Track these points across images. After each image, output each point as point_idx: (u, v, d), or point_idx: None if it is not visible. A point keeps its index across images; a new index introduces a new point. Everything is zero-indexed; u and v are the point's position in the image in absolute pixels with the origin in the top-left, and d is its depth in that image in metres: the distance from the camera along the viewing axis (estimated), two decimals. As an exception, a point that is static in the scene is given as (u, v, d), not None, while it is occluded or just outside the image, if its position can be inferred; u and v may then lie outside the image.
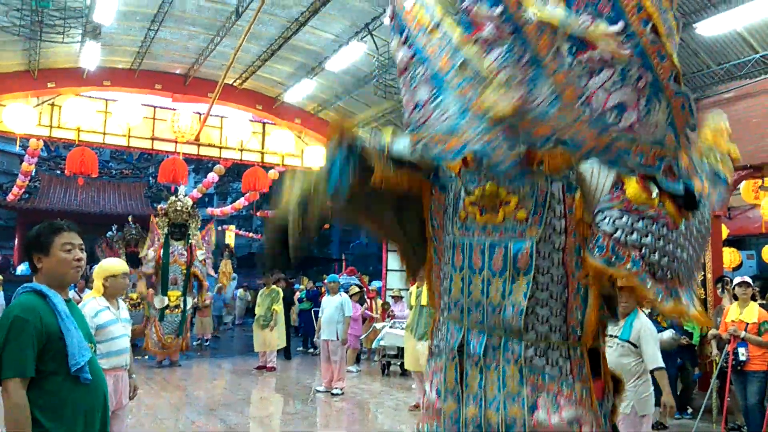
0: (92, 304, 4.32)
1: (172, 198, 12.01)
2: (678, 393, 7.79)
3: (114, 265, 4.65)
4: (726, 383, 6.73)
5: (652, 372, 4.34)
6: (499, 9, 1.55)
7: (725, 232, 11.87)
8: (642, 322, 4.39)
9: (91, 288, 4.64)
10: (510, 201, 1.97)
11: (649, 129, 1.60)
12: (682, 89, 1.61)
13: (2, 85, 12.19)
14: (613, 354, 4.24)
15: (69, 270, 2.60)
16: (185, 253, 11.65)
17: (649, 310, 7.39)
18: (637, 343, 4.32)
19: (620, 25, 1.52)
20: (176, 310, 11.40)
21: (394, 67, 11.06)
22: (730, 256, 13.50)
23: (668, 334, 7.39)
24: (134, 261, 12.58)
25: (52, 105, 12.98)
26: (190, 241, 11.78)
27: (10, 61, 11.90)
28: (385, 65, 11.19)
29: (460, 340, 2.06)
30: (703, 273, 9.72)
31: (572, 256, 1.94)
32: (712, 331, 7.77)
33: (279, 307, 11.40)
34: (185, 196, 13.24)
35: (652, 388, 4.36)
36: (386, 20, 1.92)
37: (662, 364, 4.33)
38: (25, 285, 2.59)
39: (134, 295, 12.95)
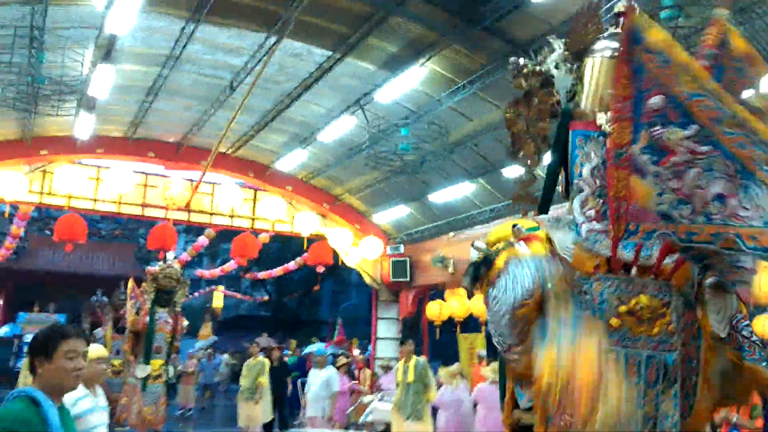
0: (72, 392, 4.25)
1: (162, 263, 11.87)
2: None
3: (93, 349, 4.58)
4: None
5: None
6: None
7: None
8: None
9: None
10: (666, 314, 2.05)
11: (756, 213, 1.76)
12: None
13: (-6, 153, 12.28)
14: None
15: (69, 379, 2.59)
16: (170, 320, 11.40)
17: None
18: None
19: (693, 128, 1.81)
20: (158, 379, 11.12)
21: (384, 138, 11.32)
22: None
23: None
24: (122, 328, 12.38)
25: (44, 171, 13.04)
26: (176, 309, 11.58)
27: (3, 130, 12.01)
28: (376, 137, 11.39)
29: None
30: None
31: (694, 363, 2.10)
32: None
33: (264, 380, 11.16)
34: (175, 259, 13.12)
35: None
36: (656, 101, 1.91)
37: None
38: (20, 390, 2.53)
39: (116, 362, 12.67)
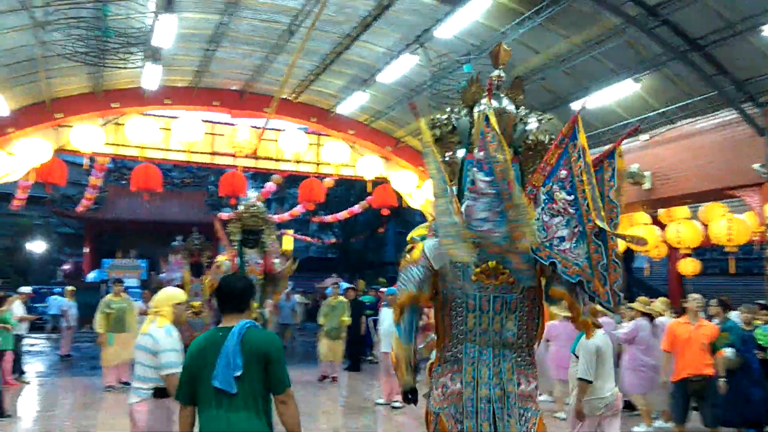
0: (171, 329, 4.52)
1: (246, 202, 11.38)
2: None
3: (179, 293, 4.88)
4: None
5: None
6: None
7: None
8: (582, 338, 5.22)
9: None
10: (505, 272, 3.34)
11: (574, 256, 3.12)
12: (599, 242, 3.12)
13: (69, 107, 12.75)
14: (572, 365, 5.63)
15: None
16: (261, 261, 10.46)
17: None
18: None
19: (571, 197, 3.18)
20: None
21: (446, 77, 11.07)
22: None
23: (726, 352, 7.03)
24: (198, 271, 12.87)
25: (117, 123, 13.48)
26: (265, 249, 11.15)
27: (75, 85, 12.44)
28: (437, 75, 11.14)
29: (476, 352, 3.37)
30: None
31: (532, 301, 3.43)
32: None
33: (347, 319, 11.52)
34: (256, 197, 12.94)
35: (605, 392, 5.22)
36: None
37: (585, 377, 5.19)
38: (249, 321, 3.28)
39: (196, 304, 13.22)
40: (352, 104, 13.60)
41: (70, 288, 15.97)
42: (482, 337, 3.35)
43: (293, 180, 20.24)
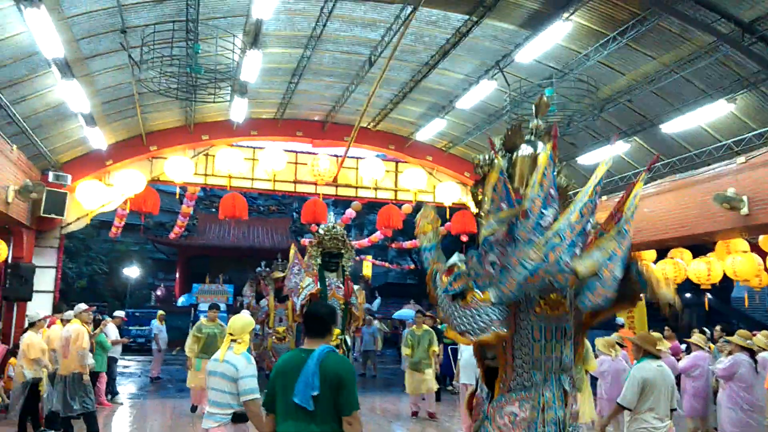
0: (249, 356, 4.66)
1: (326, 225, 10.97)
2: None
3: (252, 319, 5.09)
4: None
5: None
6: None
7: None
8: (634, 367, 5.44)
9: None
10: (564, 303, 3.66)
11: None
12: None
13: (163, 140, 13.50)
14: None
15: None
16: (341, 286, 10.13)
17: None
18: None
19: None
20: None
21: (525, 101, 10.90)
22: None
23: None
24: (282, 296, 13.12)
25: (206, 155, 14.13)
26: (345, 273, 10.31)
27: (168, 119, 13.16)
28: (517, 100, 10.99)
29: (541, 379, 3.61)
30: None
31: (578, 327, 3.77)
32: None
33: (437, 348, 11.00)
34: (336, 223, 12.67)
35: (655, 424, 5.19)
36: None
37: (620, 401, 5.35)
38: (327, 346, 3.53)
39: (281, 329, 13.47)
40: (430, 131, 13.64)
41: (160, 312, 16.69)
42: (546, 363, 3.63)
43: (372, 207, 20.45)
